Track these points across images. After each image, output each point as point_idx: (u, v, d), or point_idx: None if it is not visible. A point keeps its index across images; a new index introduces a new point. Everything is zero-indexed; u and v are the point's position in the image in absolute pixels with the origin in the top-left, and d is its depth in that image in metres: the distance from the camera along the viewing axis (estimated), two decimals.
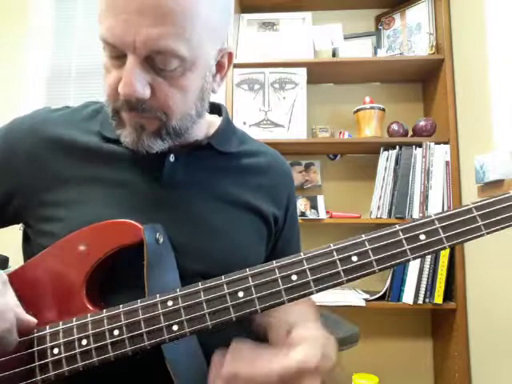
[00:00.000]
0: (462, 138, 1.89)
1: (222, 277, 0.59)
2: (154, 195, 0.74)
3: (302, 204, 2.01)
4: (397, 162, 1.95)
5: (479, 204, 0.57)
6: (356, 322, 1.51)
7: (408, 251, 0.57)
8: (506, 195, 0.56)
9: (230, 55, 0.77)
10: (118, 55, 0.65)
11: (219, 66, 0.75)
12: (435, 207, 1.87)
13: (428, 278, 1.84)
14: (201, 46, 0.67)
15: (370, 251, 0.57)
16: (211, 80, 0.74)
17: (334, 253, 0.58)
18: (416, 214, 1.86)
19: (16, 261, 0.79)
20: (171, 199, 0.75)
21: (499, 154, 1.49)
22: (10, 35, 2.32)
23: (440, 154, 1.91)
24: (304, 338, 0.59)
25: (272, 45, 2.16)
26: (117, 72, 0.66)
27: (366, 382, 1.83)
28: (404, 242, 0.57)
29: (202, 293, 0.59)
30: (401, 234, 0.57)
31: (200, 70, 0.69)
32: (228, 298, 0.58)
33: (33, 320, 0.63)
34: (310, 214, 1.99)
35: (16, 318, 0.61)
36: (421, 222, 0.58)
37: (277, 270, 0.58)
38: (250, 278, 0.58)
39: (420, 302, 1.83)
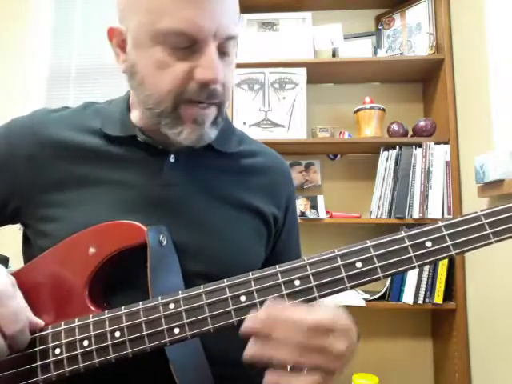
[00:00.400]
0: (462, 138, 1.89)
1: (225, 280, 0.59)
2: (154, 196, 0.74)
3: (301, 204, 2.01)
4: (397, 162, 1.95)
5: (488, 212, 0.56)
6: (356, 321, 1.50)
7: (413, 258, 0.56)
8: None
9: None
10: (186, 46, 0.65)
11: None
12: (435, 207, 1.87)
13: (428, 278, 1.84)
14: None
15: (374, 257, 0.57)
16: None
17: (338, 258, 0.57)
18: (416, 214, 1.86)
19: (16, 261, 0.79)
20: (171, 200, 0.75)
21: (499, 154, 1.49)
22: (9, 35, 2.32)
23: (440, 153, 1.91)
24: (336, 305, 0.59)
25: (272, 45, 2.16)
26: (182, 64, 0.66)
27: (365, 381, 1.83)
28: (410, 248, 0.56)
29: (203, 296, 0.59)
30: (406, 240, 0.57)
31: (235, 61, 0.75)
32: (230, 301, 0.58)
33: (40, 322, 0.64)
34: (310, 214, 1.99)
35: (29, 319, 0.62)
36: (427, 228, 0.57)
37: (280, 275, 0.58)
38: (252, 282, 0.58)
39: (420, 302, 1.83)
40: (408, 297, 1.84)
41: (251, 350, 0.54)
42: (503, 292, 1.54)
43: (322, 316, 0.54)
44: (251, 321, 0.54)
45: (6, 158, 0.76)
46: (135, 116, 0.79)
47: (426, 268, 1.85)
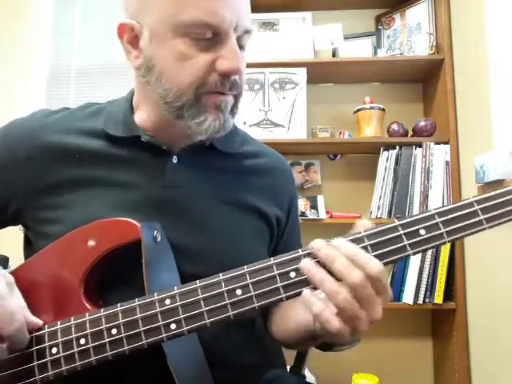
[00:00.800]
0: (461, 138, 1.89)
1: (220, 274, 0.59)
2: (156, 196, 0.74)
3: (301, 204, 2.01)
4: (397, 162, 1.95)
5: (480, 198, 0.56)
6: None
7: (408, 246, 0.56)
8: (508, 188, 0.55)
9: None
10: (208, 38, 0.67)
11: None
12: (435, 207, 1.86)
13: (428, 278, 1.84)
14: None
15: (368, 247, 0.56)
16: None
17: None
18: None
19: (16, 261, 0.79)
20: (173, 200, 0.75)
21: (499, 154, 1.49)
22: (9, 35, 2.32)
23: (440, 153, 1.91)
24: None
25: (272, 45, 2.16)
26: (204, 55, 0.67)
27: (366, 381, 1.82)
28: (403, 237, 0.56)
29: (199, 291, 0.58)
30: (400, 229, 0.56)
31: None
32: (226, 295, 0.58)
33: (39, 321, 0.64)
34: (310, 214, 1.99)
35: (27, 319, 0.61)
36: (421, 216, 0.57)
37: (275, 267, 0.57)
38: (247, 276, 0.58)
39: (420, 301, 1.83)
40: (408, 297, 1.84)
41: (308, 264, 0.55)
42: (503, 292, 1.53)
43: (380, 269, 0.53)
44: (317, 244, 0.55)
45: (6, 161, 0.76)
46: (139, 116, 0.78)
47: (426, 268, 1.85)
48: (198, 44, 0.67)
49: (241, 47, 0.71)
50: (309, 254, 0.57)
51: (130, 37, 0.71)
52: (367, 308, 0.53)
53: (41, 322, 0.64)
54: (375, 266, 0.53)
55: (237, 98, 0.74)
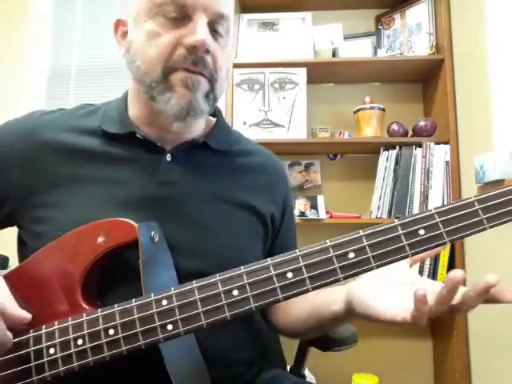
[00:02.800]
0: (462, 138, 1.88)
1: (217, 275, 0.59)
2: (150, 194, 0.74)
3: (301, 204, 2.01)
4: (397, 162, 1.95)
5: (482, 197, 0.54)
6: (356, 321, 1.50)
7: (407, 247, 0.55)
8: (510, 188, 0.54)
9: (230, 51, 0.82)
10: (178, 17, 0.69)
11: None
12: None
13: (428, 278, 1.83)
14: (231, 26, 0.77)
15: (367, 247, 0.56)
16: (230, 66, 0.80)
17: (331, 249, 0.56)
18: None
19: (16, 261, 0.79)
20: (167, 198, 0.75)
21: (499, 154, 1.49)
22: (10, 35, 2.32)
23: (440, 153, 1.90)
24: None
25: (272, 45, 2.16)
26: (172, 32, 0.70)
27: (366, 381, 1.82)
28: (402, 237, 0.55)
29: (196, 291, 0.58)
30: (399, 229, 0.56)
31: (229, 48, 0.78)
32: (223, 296, 0.57)
33: (25, 315, 0.62)
34: (310, 214, 1.99)
35: (5, 314, 0.60)
36: (420, 216, 0.55)
37: (272, 268, 0.57)
38: (244, 276, 0.57)
39: None
40: None
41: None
42: None
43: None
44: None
45: (1, 160, 0.76)
46: (133, 113, 0.80)
47: (426, 268, 1.85)
48: (167, 23, 0.70)
49: (216, 33, 0.73)
50: (308, 254, 0.57)
51: (121, 31, 0.77)
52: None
53: (29, 316, 0.63)
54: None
55: (212, 82, 0.73)
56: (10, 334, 0.60)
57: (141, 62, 0.72)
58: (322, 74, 2.15)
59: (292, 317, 0.82)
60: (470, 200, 0.54)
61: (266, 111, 2.05)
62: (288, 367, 0.99)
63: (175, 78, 0.70)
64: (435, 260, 1.85)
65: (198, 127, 0.82)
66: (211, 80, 0.73)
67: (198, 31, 0.68)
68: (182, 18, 0.70)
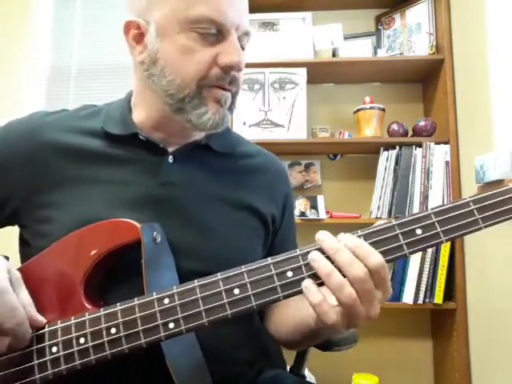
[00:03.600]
0: (462, 138, 1.89)
1: (218, 274, 0.59)
2: (152, 195, 0.74)
3: (301, 204, 2.01)
4: (397, 162, 1.95)
5: (476, 197, 0.56)
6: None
7: (404, 246, 0.56)
8: (504, 188, 0.56)
9: None
10: (212, 34, 0.71)
11: None
12: None
13: (428, 278, 1.83)
14: None
15: None
16: None
17: None
18: None
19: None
20: (169, 199, 0.75)
21: (499, 154, 1.49)
22: (10, 35, 2.32)
23: (440, 153, 1.91)
24: None
25: (272, 45, 2.16)
26: (208, 50, 0.71)
27: (365, 381, 1.82)
28: (400, 236, 0.56)
29: (197, 290, 0.59)
30: (397, 228, 0.57)
31: None
32: (224, 294, 0.58)
33: (42, 319, 0.63)
34: (310, 214, 1.99)
35: (28, 315, 0.61)
36: (417, 216, 0.57)
37: (272, 267, 0.58)
38: (245, 275, 0.58)
39: (420, 301, 1.83)
40: (408, 296, 1.84)
41: (316, 255, 0.56)
42: (503, 292, 1.53)
43: (379, 261, 0.54)
44: (321, 235, 0.56)
45: (3, 161, 0.76)
46: (137, 116, 0.80)
47: (426, 268, 1.85)
48: (202, 40, 0.71)
49: (241, 48, 0.75)
50: (307, 253, 0.57)
51: (135, 33, 0.75)
52: (365, 304, 0.54)
53: (44, 320, 0.64)
54: (375, 258, 0.54)
55: (234, 95, 0.76)
56: (30, 331, 0.61)
57: (174, 77, 0.72)
58: (321, 74, 2.15)
59: (281, 334, 0.83)
60: (466, 200, 0.57)
61: (265, 111, 2.05)
62: (288, 367, 0.99)
63: (209, 95, 0.73)
64: (435, 260, 1.85)
65: None
66: (235, 93, 0.76)
67: (234, 52, 0.71)
68: (216, 35, 0.71)
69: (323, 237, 0.56)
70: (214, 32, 0.71)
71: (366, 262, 0.53)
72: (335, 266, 0.54)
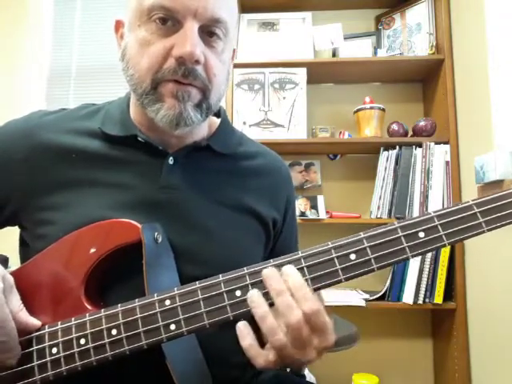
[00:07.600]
0: (462, 138, 1.89)
1: (220, 275, 0.59)
2: (152, 197, 0.73)
3: (301, 204, 2.01)
4: (397, 162, 1.95)
5: (480, 201, 0.56)
6: (356, 322, 1.50)
7: (407, 249, 0.56)
8: (507, 192, 0.56)
9: (234, 51, 0.80)
10: (168, 24, 0.67)
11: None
12: (435, 207, 1.87)
13: (428, 278, 1.84)
14: (233, 27, 0.73)
15: (368, 249, 0.57)
16: (231, 67, 0.78)
17: (332, 251, 0.57)
18: (416, 214, 1.86)
19: (16, 261, 0.79)
20: (169, 202, 0.74)
21: (499, 154, 1.49)
22: (10, 36, 2.32)
23: (440, 153, 1.91)
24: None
25: (272, 45, 2.16)
26: (163, 41, 0.67)
27: (365, 381, 1.83)
28: (403, 239, 0.56)
29: (199, 291, 0.58)
30: (399, 231, 0.57)
31: (229, 51, 0.75)
32: (225, 296, 0.58)
33: (37, 322, 0.63)
34: (310, 214, 1.99)
35: (17, 325, 0.60)
36: (420, 219, 0.57)
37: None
38: (247, 277, 0.58)
39: (420, 301, 1.83)
40: (408, 297, 1.84)
41: (254, 296, 0.56)
42: (503, 292, 1.53)
43: (314, 309, 0.54)
44: (267, 272, 0.56)
45: (2, 161, 0.75)
46: (135, 115, 0.78)
47: (426, 268, 1.85)
48: (159, 31, 0.67)
49: (211, 38, 0.69)
50: (305, 258, 0.58)
51: (121, 32, 0.76)
52: (298, 349, 0.54)
53: (39, 323, 0.63)
54: (310, 305, 0.54)
55: (204, 92, 0.71)
56: (19, 347, 0.61)
57: (133, 71, 0.70)
58: (321, 74, 2.15)
59: None
60: (469, 204, 0.56)
61: (266, 111, 2.05)
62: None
63: (165, 90, 0.68)
64: (435, 260, 1.85)
65: (200, 130, 0.80)
66: (204, 89, 0.70)
67: (187, 41, 0.65)
68: (173, 24, 0.67)
69: (267, 274, 0.56)
70: (170, 21, 0.66)
71: (302, 306, 0.53)
72: (275, 307, 0.54)
